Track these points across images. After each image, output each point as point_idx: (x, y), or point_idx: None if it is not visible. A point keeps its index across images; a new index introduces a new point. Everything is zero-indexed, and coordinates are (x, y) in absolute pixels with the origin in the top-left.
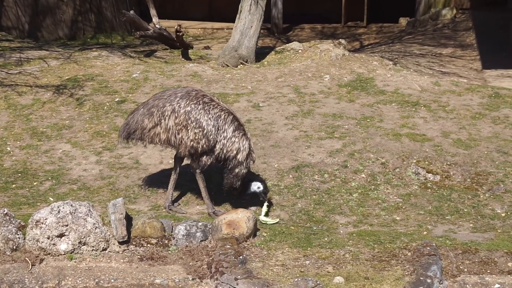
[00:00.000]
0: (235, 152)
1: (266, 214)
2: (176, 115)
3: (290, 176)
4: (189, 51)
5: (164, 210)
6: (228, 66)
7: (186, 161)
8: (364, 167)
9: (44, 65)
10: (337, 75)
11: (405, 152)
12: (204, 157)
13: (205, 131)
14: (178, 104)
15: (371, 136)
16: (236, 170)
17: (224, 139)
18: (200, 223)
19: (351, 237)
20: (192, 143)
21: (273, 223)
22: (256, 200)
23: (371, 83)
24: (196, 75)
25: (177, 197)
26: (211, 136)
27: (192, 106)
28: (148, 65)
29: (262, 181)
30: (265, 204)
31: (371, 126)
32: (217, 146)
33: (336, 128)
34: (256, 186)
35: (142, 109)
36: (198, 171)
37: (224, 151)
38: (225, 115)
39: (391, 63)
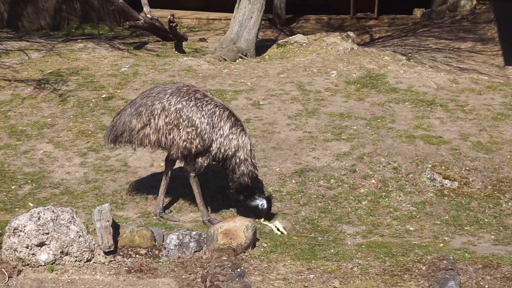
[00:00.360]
0: (233, 150)
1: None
2: (167, 113)
3: (293, 181)
4: (183, 43)
5: (154, 217)
6: (225, 60)
7: (179, 164)
8: (374, 172)
9: (24, 58)
10: (345, 71)
11: (420, 156)
12: (200, 158)
13: (198, 130)
14: (168, 102)
15: (382, 138)
16: (242, 168)
17: (220, 137)
18: (194, 232)
19: (360, 248)
20: (185, 143)
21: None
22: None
23: (382, 80)
24: (191, 70)
25: (169, 203)
26: (206, 135)
27: (184, 103)
28: (138, 58)
29: (269, 200)
30: (270, 224)
31: (382, 127)
32: (213, 146)
33: (343, 129)
34: (260, 202)
35: (129, 109)
36: (192, 174)
37: (222, 150)
38: (220, 111)
39: (404, 58)
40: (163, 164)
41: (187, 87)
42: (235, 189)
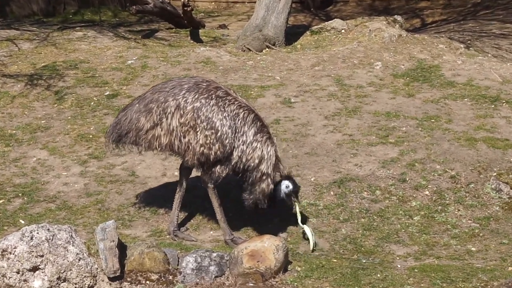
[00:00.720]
0: (257, 161)
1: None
2: (182, 112)
3: (331, 192)
4: (200, 31)
5: (168, 236)
6: (250, 50)
7: (195, 173)
8: (428, 182)
9: (14, 49)
10: (391, 62)
11: (482, 163)
12: (218, 167)
13: (219, 134)
14: (184, 99)
15: (437, 141)
16: (262, 185)
17: (243, 144)
18: (214, 254)
19: (412, 273)
20: (202, 148)
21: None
22: (288, 221)
23: (436, 72)
24: (209, 62)
25: (185, 219)
26: (227, 140)
27: (202, 101)
28: (147, 49)
29: (289, 178)
30: (297, 206)
31: (436, 128)
32: (234, 153)
33: (390, 130)
34: (284, 186)
35: (137, 105)
36: (210, 185)
37: (243, 160)
38: (244, 113)
39: (462, 46)
40: (177, 173)
41: (207, 83)
42: (249, 206)
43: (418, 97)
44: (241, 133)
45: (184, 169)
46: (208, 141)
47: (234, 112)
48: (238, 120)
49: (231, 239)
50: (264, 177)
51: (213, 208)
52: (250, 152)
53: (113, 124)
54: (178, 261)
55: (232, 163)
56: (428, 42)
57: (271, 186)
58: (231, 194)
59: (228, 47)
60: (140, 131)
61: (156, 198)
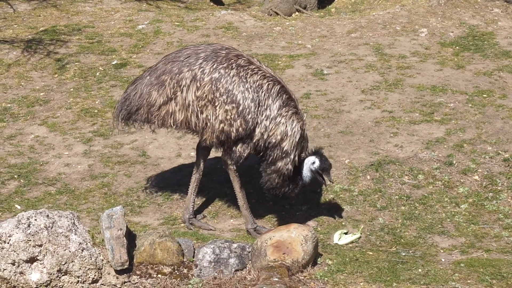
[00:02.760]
0: (279, 137)
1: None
2: (198, 84)
3: (368, 177)
4: None
5: (182, 224)
6: (277, 14)
7: (214, 153)
8: (477, 165)
9: (8, 10)
10: (439, 28)
11: None
12: (239, 146)
13: (240, 108)
14: (201, 69)
15: (489, 120)
16: (279, 165)
17: (266, 119)
18: (234, 245)
19: (458, 268)
20: (222, 125)
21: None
22: (318, 208)
23: (490, 40)
24: (231, 28)
25: (201, 205)
26: (250, 115)
27: (221, 71)
28: (160, 12)
29: (317, 153)
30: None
31: (488, 104)
32: (257, 130)
33: (436, 107)
34: (309, 163)
35: (148, 77)
36: (232, 167)
37: (265, 137)
38: (269, 84)
39: None
40: (193, 153)
41: (227, 50)
42: (267, 187)
43: (468, 69)
44: (265, 106)
45: (202, 149)
46: (228, 117)
47: (258, 83)
48: (262, 92)
49: (254, 228)
50: (283, 156)
51: (234, 193)
52: (273, 128)
53: (121, 100)
54: (194, 252)
55: (254, 141)
56: (481, 5)
57: (289, 166)
58: (255, 179)
59: (252, 10)
60: (152, 107)
61: (170, 181)
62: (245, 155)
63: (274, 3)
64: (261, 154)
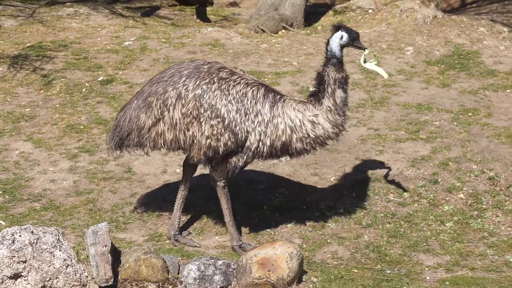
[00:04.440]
0: (285, 136)
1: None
2: (183, 102)
3: (353, 194)
4: (208, 8)
5: (168, 241)
6: (264, 31)
7: (200, 170)
8: (463, 184)
9: None
10: (424, 47)
11: None
12: (233, 157)
13: (226, 122)
14: (185, 86)
15: (475, 138)
16: (316, 137)
17: (260, 125)
18: (219, 262)
19: (443, 286)
20: (209, 141)
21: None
22: (304, 225)
23: (475, 59)
24: (218, 44)
25: (187, 222)
26: (238, 127)
27: (204, 87)
28: (147, 29)
29: (340, 27)
30: (366, 52)
31: (474, 122)
32: (252, 138)
33: (422, 125)
34: (338, 38)
35: (135, 101)
36: (221, 183)
37: (268, 143)
38: (253, 90)
39: (506, 30)
40: (179, 170)
41: (209, 65)
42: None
43: (454, 88)
44: (254, 113)
45: (189, 166)
46: (215, 132)
47: (241, 92)
48: (247, 100)
49: (239, 245)
50: (305, 140)
51: (220, 210)
52: (274, 131)
53: (112, 127)
54: (179, 269)
55: (253, 149)
56: (467, 24)
57: (327, 102)
58: (240, 194)
59: (239, 27)
60: (142, 129)
61: (155, 198)
62: (240, 165)
63: (261, 21)
64: (282, 156)
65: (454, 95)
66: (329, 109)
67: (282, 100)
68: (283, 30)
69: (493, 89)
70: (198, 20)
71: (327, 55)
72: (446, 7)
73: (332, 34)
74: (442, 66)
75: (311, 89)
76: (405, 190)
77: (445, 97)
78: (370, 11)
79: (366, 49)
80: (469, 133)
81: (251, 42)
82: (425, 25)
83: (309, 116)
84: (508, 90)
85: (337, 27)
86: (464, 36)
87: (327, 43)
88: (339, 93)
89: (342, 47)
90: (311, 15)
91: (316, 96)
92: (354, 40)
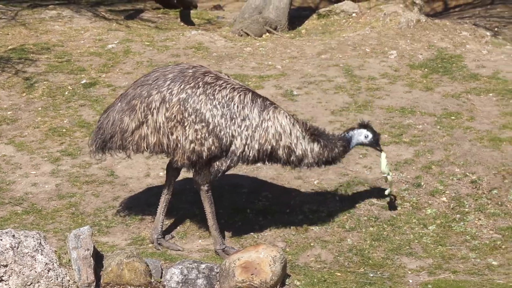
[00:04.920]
0: (273, 141)
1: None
2: (167, 106)
3: (337, 198)
4: (192, 11)
5: (150, 245)
6: (248, 35)
7: (184, 174)
8: (445, 187)
9: None
10: (408, 50)
11: (507, 166)
12: (217, 161)
13: (211, 127)
14: (169, 90)
15: (457, 141)
16: (306, 161)
17: (248, 129)
18: (203, 265)
19: None
20: (193, 145)
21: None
22: (287, 229)
23: (458, 63)
24: (202, 48)
25: (170, 226)
26: (222, 132)
27: (189, 91)
28: (130, 32)
29: (367, 126)
30: (382, 155)
31: (457, 126)
32: (237, 143)
33: (405, 128)
34: (363, 135)
35: (119, 104)
36: (205, 187)
37: (256, 147)
38: (240, 95)
39: (489, 34)
40: (162, 173)
41: (194, 69)
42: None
43: (437, 91)
44: (241, 117)
45: (172, 170)
46: (199, 136)
47: (228, 97)
48: (234, 105)
49: (223, 249)
50: (290, 151)
51: (204, 213)
52: (264, 136)
53: (95, 130)
54: (162, 273)
55: (238, 153)
56: (450, 28)
57: (316, 144)
58: (224, 198)
59: (223, 31)
60: (126, 132)
61: (138, 201)
62: (223, 169)
63: (245, 24)
64: (272, 162)
65: (437, 99)
66: (312, 149)
67: (273, 106)
68: (267, 34)
69: (476, 92)
70: (182, 23)
71: (344, 136)
72: (429, 11)
73: (359, 129)
74: (425, 70)
75: (295, 92)
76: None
77: (428, 100)
78: (354, 14)
79: (382, 152)
80: (452, 137)
81: (235, 45)
82: (409, 29)
83: (297, 132)
84: (491, 94)
85: (364, 125)
86: (447, 40)
87: (351, 130)
88: (326, 158)
89: (360, 144)
90: (295, 19)
91: (311, 130)
92: (377, 141)
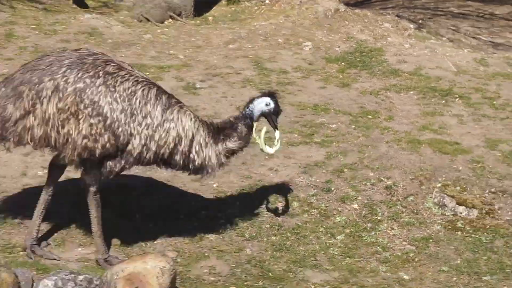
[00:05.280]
0: (172, 144)
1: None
2: (61, 95)
3: (237, 203)
4: None
5: (22, 253)
6: (148, 20)
7: (68, 172)
8: (357, 193)
9: None
10: (324, 42)
11: (425, 171)
12: (110, 161)
13: (108, 122)
14: (65, 78)
15: (373, 143)
16: (199, 162)
17: (148, 129)
18: (80, 277)
19: None
20: (85, 141)
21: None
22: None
23: (378, 57)
24: (95, 33)
25: (48, 232)
26: (120, 129)
27: (87, 80)
28: (14, 13)
29: (272, 95)
30: (277, 133)
31: (373, 126)
32: (135, 142)
33: (317, 127)
34: (264, 103)
35: (3, 89)
36: (93, 188)
37: (153, 148)
38: (143, 89)
39: (412, 26)
40: (41, 172)
41: (94, 56)
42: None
43: (354, 87)
44: (143, 114)
45: (56, 168)
46: (94, 131)
47: (130, 90)
48: (136, 99)
49: (105, 258)
50: (191, 155)
51: (87, 218)
52: (164, 137)
53: None
54: (33, 285)
55: (135, 154)
56: (371, 19)
57: (221, 144)
58: (111, 200)
59: (121, 15)
60: (7, 122)
61: (11, 203)
62: (116, 170)
63: (145, 8)
64: (172, 167)
65: (354, 96)
66: (218, 153)
67: (179, 105)
68: (170, 20)
69: (396, 90)
70: (75, 6)
71: (245, 111)
72: (349, 0)
73: (260, 97)
74: (343, 63)
75: (198, 85)
76: (294, 199)
77: (344, 97)
78: (267, 1)
79: (277, 130)
80: (367, 138)
81: (134, 31)
82: (326, 19)
83: (200, 138)
84: (411, 92)
85: (269, 94)
86: (367, 32)
87: (250, 103)
88: (235, 149)
89: (262, 114)
90: (202, 4)
91: (216, 131)
92: (277, 114)
